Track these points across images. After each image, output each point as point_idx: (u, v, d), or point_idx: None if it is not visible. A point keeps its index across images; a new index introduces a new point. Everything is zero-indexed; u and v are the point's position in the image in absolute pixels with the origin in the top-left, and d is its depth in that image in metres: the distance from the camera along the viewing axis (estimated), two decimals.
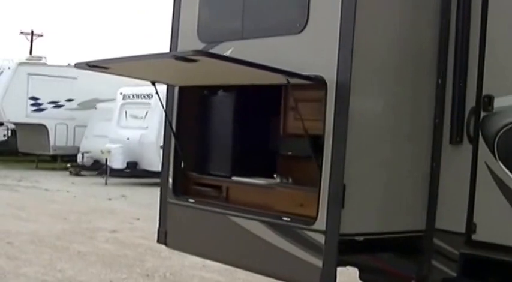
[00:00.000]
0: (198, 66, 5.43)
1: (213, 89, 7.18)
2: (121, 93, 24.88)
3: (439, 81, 5.99)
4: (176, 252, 11.83)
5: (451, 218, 5.90)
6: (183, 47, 7.05)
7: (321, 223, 5.64)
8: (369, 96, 5.72)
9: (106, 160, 23.62)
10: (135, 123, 23.98)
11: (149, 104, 23.42)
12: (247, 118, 7.00)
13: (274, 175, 6.58)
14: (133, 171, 24.02)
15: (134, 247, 13.10)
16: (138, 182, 24.59)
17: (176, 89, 7.20)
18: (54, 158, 30.39)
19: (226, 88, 6.99)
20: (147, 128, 23.43)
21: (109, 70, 6.36)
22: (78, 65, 6.32)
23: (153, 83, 6.85)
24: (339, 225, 5.52)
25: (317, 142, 5.78)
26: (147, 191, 21.83)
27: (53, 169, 29.62)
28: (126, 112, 24.55)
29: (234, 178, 6.88)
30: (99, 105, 27.91)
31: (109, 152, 23.54)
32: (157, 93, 7.11)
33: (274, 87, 6.57)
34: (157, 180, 25.16)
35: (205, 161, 7.25)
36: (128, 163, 23.78)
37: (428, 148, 6.04)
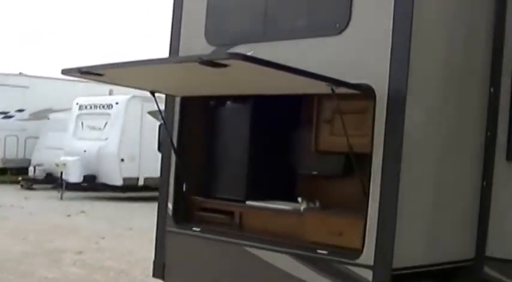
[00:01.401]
0: (224, 72, 4.51)
1: (221, 100, 6.27)
2: (77, 103, 23.59)
3: (491, 90, 5.20)
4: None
5: (503, 245, 5.12)
6: (187, 51, 6.11)
7: (368, 257, 4.78)
8: (423, 109, 4.89)
9: (61, 173, 22.32)
10: (92, 135, 22.72)
11: (108, 114, 22.23)
12: (264, 133, 6.10)
13: (299, 199, 5.69)
14: (91, 185, 22.76)
15: (105, 271, 11.98)
16: (97, 196, 23.33)
17: (177, 100, 6.26)
18: (3, 171, 28.85)
19: (237, 98, 6.09)
20: (106, 139, 22.20)
21: (104, 77, 5.37)
22: (66, 71, 5.32)
23: (153, 94, 5.89)
24: (391, 259, 4.66)
25: (361, 161, 4.92)
26: (107, 206, 20.62)
27: (3, 182, 28.10)
28: (82, 123, 23.29)
29: (249, 203, 5.96)
30: (52, 115, 26.50)
31: (64, 164, 22.23)
32: (157, 104, 6.14)
33: (293, 97, 5.73)
34: (118, 195, 24.05)
35: (212, 183, 6.31)
36: (85, 176, 22.50)
37: (479, 165, 5.24)
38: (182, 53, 6.19)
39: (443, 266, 5.14)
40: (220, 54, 4.30)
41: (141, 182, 22.25)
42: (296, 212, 5.55)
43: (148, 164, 21.59)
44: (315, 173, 5.92)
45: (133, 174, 22.00)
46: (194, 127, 6.34)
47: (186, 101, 6.22)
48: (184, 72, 4.98)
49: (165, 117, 6.34)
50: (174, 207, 6.27)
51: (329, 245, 5.11)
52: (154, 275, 6.42)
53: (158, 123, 22.14)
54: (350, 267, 4.88)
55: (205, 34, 5.94)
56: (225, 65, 4.33)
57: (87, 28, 62.96)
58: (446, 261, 5.14)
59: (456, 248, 5.23)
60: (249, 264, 5.56)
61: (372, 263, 4.74)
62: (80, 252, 13.77)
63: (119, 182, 21.82)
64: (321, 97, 5.43)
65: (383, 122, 4.74)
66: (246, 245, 5.61)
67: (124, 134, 21.85)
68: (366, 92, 4.79)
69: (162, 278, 6.34)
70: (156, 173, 22.01)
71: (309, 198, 5.65)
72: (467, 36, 5.14)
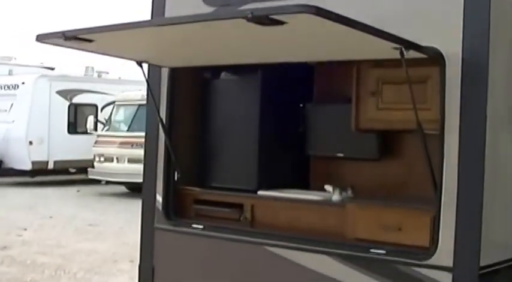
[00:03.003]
0: (266, 33, 3.50)
1: (217, 71, 5.22)
2: None
3: None
4: (94, 272, 9.72)
5: None
6: (175, 12, 4.99)
7: (444, 256, 3.90)
8: (506, 74, 4.03)
9: None
10: None
11: (14, 95, 20.52)
12: (276, 109, 5.13)
13: (329, 187, 4.74)
14: None
15: (39, 268, 10.67)
16: (4, 182, 21.62)
17: (165, 71, 5.16)
18: None
19: (238, 68, 5.06)
20: (13, 121, 20.48)
21: (92, 45, 4.20)
22: (44, 37, 4.15)
23: (140, 65, 4.79)
24: (478, 259, 3.81)
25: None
26: (18, 192, 19.08)
27: None
28: None
29: (262, 193, 4.97)
30: None
31: None
32: (144, 76, 5.01)
33: (303, 66, 4.84)
34: (27, 180, 22.37)
35: (212, 171, 5.28)
36: None
37: None
38: (169, 14, 5.09)
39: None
40: (285, 7, 3.25)
41: (50, 166, 20.90)
42: (332, 203, 4.61)
43: (58, 146, 20.42)
44: (341, 155, 5.01)
45: (43, 158, 20.59)
46: (187, 103, 5.29)
47: (176, 73, 5.13)
48: (207, 34, 3.91)
49: (149, 92, 5.23)
50: (164, 201, 5.20)
51: (383, 243, 4.20)
52: (140, 281, 5.34)
53: (68, 103, 20.91)
54: (418, 269, 3.99)
55: None
56: (282, 23, 3.32)
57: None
58: None
59: None
60: (274, 267, 4.58)
61: (450, 264, 3.87)
62: (5, 248, 12.39)
63: (27, 166, 20.36)
64: (361, 65, 4.51)
65: (457, 92, 3.85)
66: (268, 245, 4.62)
67: (32, 116, 20.35)
68: (435, 57, 3.88)
69: None
70: (67, 156, 20.81)
71: (340, 187, 4.71)
72: None
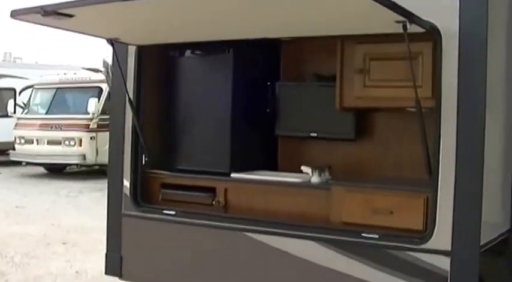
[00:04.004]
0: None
1: (184, 49, 4.96)
2: None
3: None
4: (30, 256, 9.26)
5: None
6: None
7: (441, 240, 3.80)
8: (502, 53, 3.94)
9: None
10: None
11: None
12: (248, 86, 4.92)
13: (306, 168, 4.57)
14: None
15: None
16: None
17: (131, 49, 4.86)
18: None
19: (207, 47, 4.82)
20: None
21: (72, 21, 3.87)
22: (20, 13, 3.80)
23: (112, 43, 4.51)
24: (478, 242, 3.72)
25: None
26: None
27: None
28: None
29: (236, 175, 4.76)
30: None
31: None
32: (115, 54, 4.69)
33: (271, 43, 4.74)
34: None
35: (180, 153, 5.02)
36: None
37: None
38: None
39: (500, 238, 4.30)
40: None
41: None
42: (313, 185, 4.44)
43: None
44: (314, 135, 4.85)
45: None
46: (154, 83, 5.02)
47: (144, 51, 4.85)
48: (174, 8, 3.68)
49: (115, 70, 4.93)
50: (132, 186, 4.92)
51: (372, 227, 4.07)
52: (107, 272, 5.06)
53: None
54: (413, 254, 3.88)
55: None
56: None
57: None
58: (501, 232, 4.31)
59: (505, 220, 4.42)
60: (257, 255, 4.39)
61: (448, 248, 3.77)
62: None
63: None
64: (346, 41, 4.34)
65: (454, 68, 3.74)
66: (248, 231, 4.43)
67: None
68: (432, 32, 3.76)
69: (119, 275, 4.99)
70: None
71: (316, 168, 4.55)
72: None
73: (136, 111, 4.83)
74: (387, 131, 4.67)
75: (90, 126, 15.11)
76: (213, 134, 4.86)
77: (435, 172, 3.81)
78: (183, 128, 4.98)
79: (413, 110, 4.20)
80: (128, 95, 4.78)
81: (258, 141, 5.05)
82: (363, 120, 4.73)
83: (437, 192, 3.80)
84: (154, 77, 5.01)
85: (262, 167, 4.95)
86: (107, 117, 14.65)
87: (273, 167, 5.10)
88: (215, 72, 4.85)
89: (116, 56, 4.69)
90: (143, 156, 4.94)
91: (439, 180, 3.80)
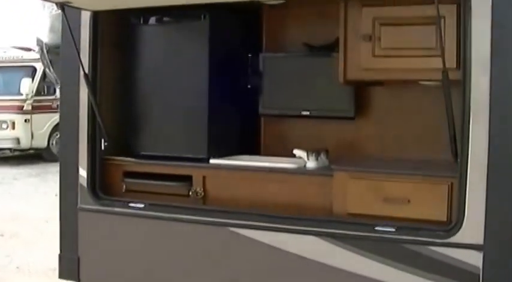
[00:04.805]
0: None
1: (146, 15, 4.24)
2: None
3: None
4: None
5: None
6: None
7: (471, 233, 3.23)
8: None
9: None
10: None
11: None
12: (226, 60, 4.24)
13: (300, 151, 3.94)
14: None
15: None
16: None
17: (87, 16, 4.12)
18: None
19: (177, 12, 4.12)
20: None
21: None
22: None
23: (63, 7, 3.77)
24: None
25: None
26: None
27: None
28: None
29: (216, 161, 4.09)
30: None
31: None
32: (65, 20, 3.93)
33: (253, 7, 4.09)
34: None
35: (147, 136, 4.31)
36: None
37: None
38: None
39: None
40: None
41: None
42: (310, 171, 3.82)
43: None
44: (306, 113, 4.22)
45: None
46: (113, 55, 4.29)
47: (100, 18, 4.12)
48: None
49: (65, 40, 4.18)
50: (89, 175, 4.19)
51: (387, 218, 3.48)
52: (62, 276, 4.33)
53: None
54: (438, 249, 3.31)
55: None
56: None
57: None
58: None
59: None
60: (245, 253, 3.75)
61: (481, 241, 3.20)
62: None
63: None
64: (350, 3, 3.72)
65: (487, 33, 3.16)
66: (234, 225, 3.78)
67: None
68: None
69: (77, 280, 4.27)
70: None
71: (311, 151, 3.93)
72: None
73: (93, 88, 4.11)
74: (392, 108, 4.09)
75: (24, 108, 14.04)
76: (187, 114, 4.17)
77: (464, 154, 3.23)
78: (150, 107, 4.27)
79: (429, 83, 3.68)
80: (83, 69, 4.05)
81: (239, 121, 4.39)
82: (364, 96, 4.13)
83: (467, 178, 3.22)
84: (113, 48, 4.31)
85: (244, 151, 4.30)
86: (42, 98, 13.70)
87: (255, 151, 4.45)
88: (188, 43, 4.16)
89: (68, 22, 3.94)
90: (102, 140, 4.22)
91: (469, 164, 3.22)
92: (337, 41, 4.02)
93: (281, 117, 4.39)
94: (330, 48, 4.09)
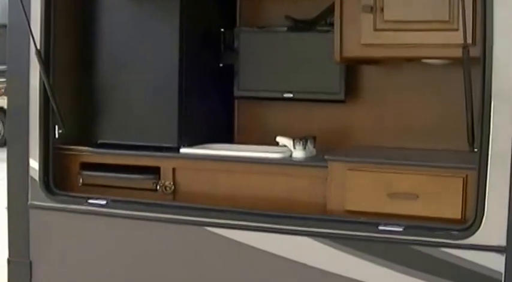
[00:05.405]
0: None
1: None
2: None
3: None
4: None
5: None
6: None
7: (492, 232, 2.82)
8: None
9: None
10: None
11: None
12: (197, 35, 3.73)
13: (281, 139, 3.48)
14: None
15: None
16: None
17: None
18: None
19: None
20: None
21: None
22: None
23: None
24: None
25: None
26: None
27: None
28: None
29: (187, 150, 3.59)
30: None
31: None
32: None
33: None
34: None
35: (107, 122, 3.78)
36: None
37: None
38: None
39: None
40: None
41: None
42: (298, 162, 3.35)
43: None
44: (289, 96, 3.75)
45: None
46: (71, 29, 3.76)
47: None
48: None
49: (11, 12, 3.61)
50: (42, 167, 3.65)
51: (391, 216, 3.04)
52: None
53: None
54: (453, 251, 2.89)
55: None
56: None
57: None
58: None
59: None
60: (227, 257, 3.28)
61: (503, 242, 2.80)
62: None
63: None
64: None
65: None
66: (212, 225, 3.29)
67: None
68: None
69: None
70: None
71: (297, 139, 3.47)
72: None
73: (46, 67, 3.55)
74: (388, 90, 3.64)
75: None
76: (155, 97, 3.66)
77: (484, 142, 2.80)
78: (112, 89, 3.74)
79: (434, 61, 3.26)
80: (35, 44, 3.50)
81: (213, 105, 3.89)
82: (356, 76, 3.67)
83: (487, 170, 2.80)
84: (70, 21, 3.76)
85: (218, 139, 3.82)
86: None
87: (230, 138, 3.97)
88: (154, 15, 3.63)
89: None
90: (56, 127, 3.67)
91: (490, 154, 2.80)
92: (325, 12, 3.57)
93: (259, 100, 3.91)
94: (317, 21, 3.64)
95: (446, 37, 2.99)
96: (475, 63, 2.84)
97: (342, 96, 3.64)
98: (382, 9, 3.13)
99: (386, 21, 3.15)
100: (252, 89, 3.86)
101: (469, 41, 2.95)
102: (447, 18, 3.02)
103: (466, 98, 2.83)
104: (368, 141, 3.67)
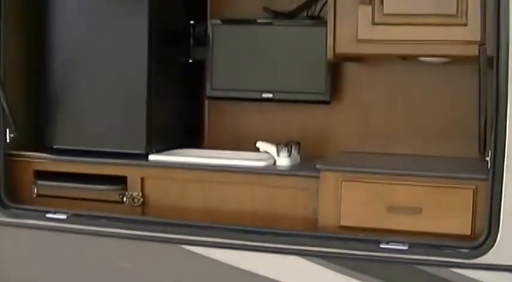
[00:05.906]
0: None
1: None
2: None
3: None
4: None
5: None
6: None
7: (507, 251, 2.54)
8: None
9: None
10: None
11: None
12: (167, 28, 3.37)
13: (262, 144, 3.15)
14: None
15: None
16: None
17: None
18: None
19: None
20: None
21: None
22: None
23: None
24: None
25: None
26: None
27: None
28: None
29: (156, 157, 3.22)
30: None
31: None
32: None
33: None
34: None
35: (67, 126, 3.37)
36: None
37: None
38: None
39: None
40: None
41: None
42: (284, 170, 3.02)
43: None
44: (269, 96, 3.41)
45: None
46: (22, 23, 3.35)
47: None
48: None
49: None
50: None
51: (392, 233, 2.73)
52: None
53: None
54: (463, 271, 2.60)
55: None
56: None
57: None
58: None
59: None
60: (206, 279, 2.92)
61: None
62: None
63: None
64: None
65: None
66: (188, 242, 2.94)
67: None
68: None
69: None
70: None
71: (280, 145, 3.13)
72: None
73: None
74: (380, 91, 3.33)
75: None
76: (120, 97, 3.27)
77: (499, 150, 2.52)
78: (71, 88, 3.33)
79: (432, 59, 2.98)
80: None
81: (183, 106, 3.52)
82: (343, 75, 3.35)
83: (503, 181, 2.52)
84: (21, 15, 3.34)
85: (188, 144, 3.47)
86: None
87: (201, 143, 3.62)
88: (119, 7, 3.23)
89: None
90: (7, 130, 3.26)
91: (505, 163, 2.51)
92: (307, 3, 3.25)
93: (234, 100, 3.55)
94: (298, 13, 3.32)
95: (452, 33, 2.70)
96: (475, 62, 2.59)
97: (327, 97, 3.32)
98: (381, 2, 2.81)
99: (386, 14, 2.83)
100: (225, 88, 3.50)
101: (477, 37, 2.67)
102: (454, 12, 2.73)
103: (480, 101, 2.54)
104: (355, 146, 3.35)
